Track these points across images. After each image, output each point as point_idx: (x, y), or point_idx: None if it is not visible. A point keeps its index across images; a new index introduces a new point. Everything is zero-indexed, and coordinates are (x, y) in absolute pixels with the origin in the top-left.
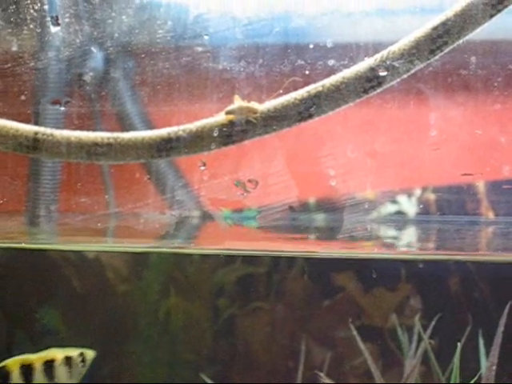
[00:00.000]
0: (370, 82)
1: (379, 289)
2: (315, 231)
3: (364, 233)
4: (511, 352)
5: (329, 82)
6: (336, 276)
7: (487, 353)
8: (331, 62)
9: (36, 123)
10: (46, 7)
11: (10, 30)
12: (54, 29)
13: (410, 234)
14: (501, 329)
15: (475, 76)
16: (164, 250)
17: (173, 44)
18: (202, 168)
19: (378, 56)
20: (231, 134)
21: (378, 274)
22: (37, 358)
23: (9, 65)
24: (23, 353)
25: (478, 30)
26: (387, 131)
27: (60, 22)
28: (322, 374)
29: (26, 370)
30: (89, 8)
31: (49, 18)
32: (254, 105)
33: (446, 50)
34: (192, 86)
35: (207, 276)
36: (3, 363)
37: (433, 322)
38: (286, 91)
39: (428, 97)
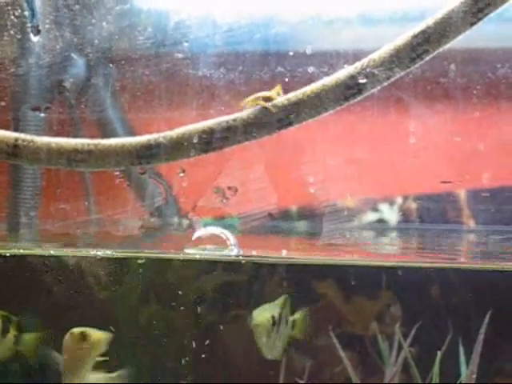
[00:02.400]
0: (350, 89)
1: (360, 297)
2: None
3: (343, 240)
4: (491, 360)
5: (309, 89)
6: (317, 284)
7: (467, 361)
8: (311, 70)
9: (16, 129)
10: (26, 13)
11: None
12: (34, 38)
13: (390, 241)
14: (481, 337)
15: (455, 84)
16: (144, 255)
17: (153, 50)
18: (182, 175)
19: (358, 64)
20: (211, 141)
21: (358, 281)
22: None
23: None
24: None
25: (459, 38)
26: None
27: (41, 30)
28: (302, 382)
29: None
30: (69, 14)
31: (29, 26)
32: (271, 92)
33: (427, 58)
34: (172, 92)
35: (188, 283)
36: None
37: (413, 330)
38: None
39: (408, 105)
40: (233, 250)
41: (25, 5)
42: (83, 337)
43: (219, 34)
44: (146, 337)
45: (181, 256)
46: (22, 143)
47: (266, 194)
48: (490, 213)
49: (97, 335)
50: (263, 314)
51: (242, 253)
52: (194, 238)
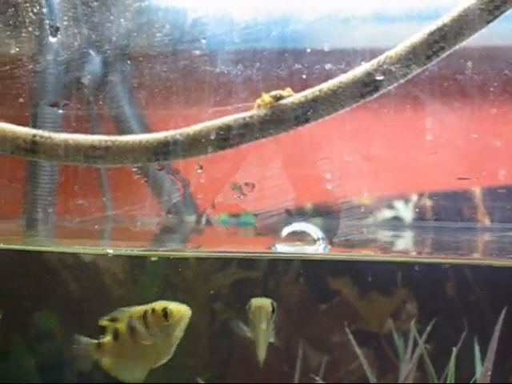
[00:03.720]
0: (366, 86)
1: (375, 293)
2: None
3: (360, 237)
4: (506, 358)
5: (326, 86)
6: (332, 280)
7: (482, 358)
8: (328, 67)
9: (34, 126)
10: (44, 10)
11: (8, 33)
12: (52, 38)
13: (406, 239)
14: (496, 334)
15: (471, 81)
16: (160, 253)
17: (170, 48)
18: (199, 171)
19: (374, 61)
20: (228, 137)
21: (374, 278)
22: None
23: (7, 67)
24: (20, 357)
25: (475, 35)
26: (383, 136)
27: (59, 29)
28: (317, 378)
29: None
30: (87, 11)
31: (48, 26)
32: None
33: (443, 56)
34: (189, 89)
35: (204, 280)
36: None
37: (428, 327)
38: None
39: (424, 102)
40: (321, 245)
41: (43, 2)
42: (165, 313)
43: (236, 31)
44: None
45: (196, 254)
46: (39, 139)
47: (283, 191)
48: (506, 210)
49: (179, 311)
50: (263, 300)
51: (329, 248)
52: (283, 235)
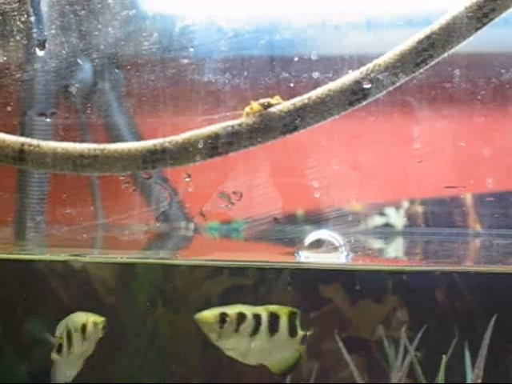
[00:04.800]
0: (355, 94)
1: (366, 301)
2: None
3: (350, 245)
4: (497, 364)
5: (314, 94)
6: (323, 288)
7: (473, 365)
8: (316, 75)
9: (22, 134)
10: (32, 19)
11: None
12: (40, 52)
13: (396, 246)
14: (486, 341)
15: (459, 89)
16: (151, 261)
17: (159, 56)
18: (187, 179)
19: (363, 69)
20: (217, 145)
21: (364, 285)
22: None
23: None
24: (10, 365)
25: (463, 43)
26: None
27: (46, 43)
28: None
29: None
30: (75, 20)
31: (36, 41)
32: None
33: (431, 64)
34: (177, 97)
35: (195, 287)
36: None
37: (419, 334)
38: None
39: (413, 109)
40: (343, 253)
41: (31, 11)
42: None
43: (224, 39)
44: (152, 341)
45: (187, 261)
46: (28, 148)
47: (271, 199)
48: (496, 217)
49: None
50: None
51: (351, 256)
52: (306, 243)
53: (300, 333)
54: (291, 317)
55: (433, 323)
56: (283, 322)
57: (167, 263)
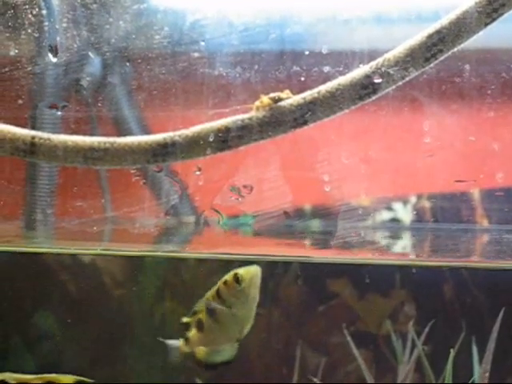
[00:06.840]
0: (365, 89)
1: (374, 295)
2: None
3: (358, 239)
4: (504, 359)
5: (324, 88)
6: (331, 282)
7: (480, 359)
8: (327, 69)
9: (33, 127)
10: (43, 12)
11: (7, 35)
12: (53, 58)
13: (404, 241)
14: (494, 335)
15: (469, 84)
16: (159, 254)
17: (169, 50)
18: (198, 173)
19: (373, 63)
20: (227, 139)
21: (372, 280)
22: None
23: (6, 69)
24: (19, 358)
25: (473, 38)
26: (382, 138)
27: (58, 52)
28: (316, 380)
29: None
30: (86, 13)
31: (48, 46)
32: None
33: (441, 58)
34: (188, 91)
35: (203, 281)
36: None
37: (426, 329)
38: None
39: (422, 104)
40: None
41: (42, 4)
42: (237, 279)
43: (235, 33)
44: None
45: (195, 255)
46: (38, 141)
47: (281, 193)
48: (504, 212)
49: (248, 271)
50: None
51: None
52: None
53: None
54: None
55: (440, 318)
56: None
57: (176, 256)
